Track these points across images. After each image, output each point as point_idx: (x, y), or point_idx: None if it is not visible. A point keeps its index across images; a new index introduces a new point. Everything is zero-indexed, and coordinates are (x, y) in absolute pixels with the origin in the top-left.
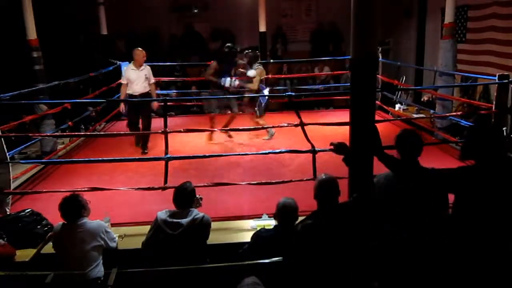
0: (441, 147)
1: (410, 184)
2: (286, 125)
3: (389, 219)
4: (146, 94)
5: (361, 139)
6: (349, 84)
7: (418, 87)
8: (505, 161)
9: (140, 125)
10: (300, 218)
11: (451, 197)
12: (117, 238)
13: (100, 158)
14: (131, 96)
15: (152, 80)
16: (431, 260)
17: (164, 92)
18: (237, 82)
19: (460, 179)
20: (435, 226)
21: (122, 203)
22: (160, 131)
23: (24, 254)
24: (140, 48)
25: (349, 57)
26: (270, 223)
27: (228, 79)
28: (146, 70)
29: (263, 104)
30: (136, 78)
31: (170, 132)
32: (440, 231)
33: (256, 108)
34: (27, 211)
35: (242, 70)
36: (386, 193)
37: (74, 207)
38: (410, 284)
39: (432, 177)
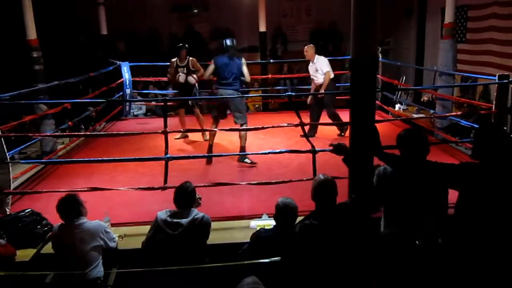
0: (441, 147)
1: (411, 177)
2: (286, 125)
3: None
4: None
5: (361, 139)
6: (349, 84)
7: (418, 87)
8: (508, 160)
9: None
10: (300, 218)
11: (452, 197)
12: (116, 238)
13: (100, 158)
14: (315, 86)
15: (325, 69)
16: (432, 258)
17: (163, 92)
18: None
19: (463, 175)
20: (436, 221)
21: (122, 203)
22: (160, 131)
23: (24, 254)
24: (311, 44)
25: (349, 57)
26: (270, 223)
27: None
28: (319, 62)
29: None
30: (311, 71)
31: (170, 132)
32: (441, 227)
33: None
34: (27, 211)
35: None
36: (385, 184)
37: (71, 206)
38: (410, 284)
39: (436, 169)
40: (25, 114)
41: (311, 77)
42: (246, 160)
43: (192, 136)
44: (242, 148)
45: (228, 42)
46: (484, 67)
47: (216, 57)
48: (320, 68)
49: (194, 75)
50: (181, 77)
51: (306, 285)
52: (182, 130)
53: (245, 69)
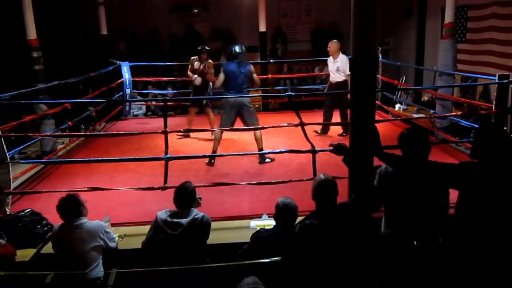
0: (441, 147)
1: (412, 177)
2: (286, 125)
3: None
4: (341, 84)
5: (361, 139)
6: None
7: (418, 87)
8: (507, 160)
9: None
10: (300, 218)
11: (453, 197)
12: (116, 238)
13: (100, 158)
14: (330, 83)
15: (348, 71)
16: (432, 258)
17: (162, 92)
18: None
19: (463, 174)
20: (436, 221)
21: (122, 203)
22: (160, 131)
23: (24, 254)
24: (335, 40)
25: (349, 57)
26: (270, 223)
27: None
28: (342, 62)
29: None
30: (331, 68)
31: (170, 132)
32: (442, 227)
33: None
34: (27, 211)
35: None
36: (386, 184)
37: (72, 207)
38: (411, 284)
39: (436, 169)
40: (25, 114)
41: (329, 72)
42: (267, 160)
43: (194, 136)
44: (260, 150)
45: (237, 49)
46: (484, 67)
47: (225, 65)
48: (343, 70)
49: (202, 65)
50: (197, 80)
51: (306, 285)
52: (181, 130)
53: (254, 76)
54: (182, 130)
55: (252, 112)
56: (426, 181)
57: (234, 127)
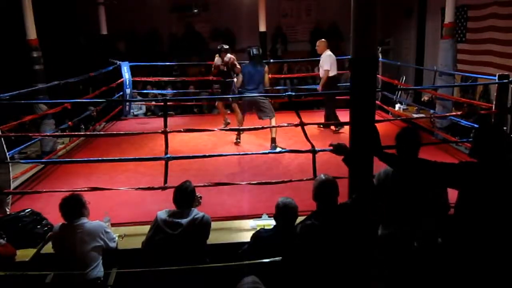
0: (441, 147)
1: (409, 178)
2: (286, 125)
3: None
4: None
5: (361, 139)
6: (349, 84)
7: (418, 87)
8: (507, 161)
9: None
10: (300, 218)
11: (452, 197)
12: (116, 238)
13: (100, 158)
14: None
15: (325, 67)
16: (431, 258)
17: (162, 92)
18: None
19: (463, 174)
20: (436, 221)
21: (122, 203)
22: (160, 131)
23: (24, 254)
24: (323, 39)
25: (349, 57)
26: (270, 223)
27: None
28: (322, 58)
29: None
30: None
31: (170, 132)
32: (440, 227)
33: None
34: (27, 211)
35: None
36: (386, 187)
37: (74, 206)
38: (411, 284)
39: (434, 168)
40: (25, 114)
41: None
42: (278, 149)
43: (195, 135)
44: (273, 139)
45: (255, 51)
46: (484, 67)
47: (244, 66)
48: (321, 65)
49: (238, 66)
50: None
51: (306, 285)
52: (182, 130)
53: (266, 77)
54: (181, 129)
55: (265, 106)
56: (418, 179)
57: (233, 128)
